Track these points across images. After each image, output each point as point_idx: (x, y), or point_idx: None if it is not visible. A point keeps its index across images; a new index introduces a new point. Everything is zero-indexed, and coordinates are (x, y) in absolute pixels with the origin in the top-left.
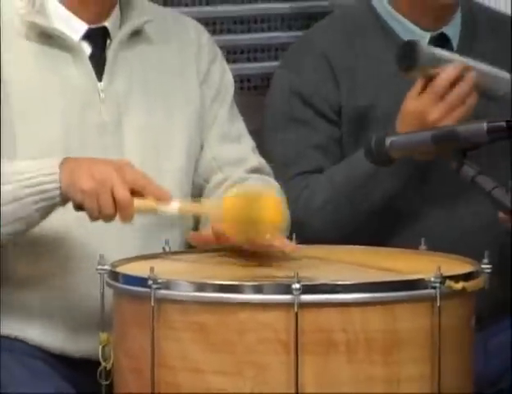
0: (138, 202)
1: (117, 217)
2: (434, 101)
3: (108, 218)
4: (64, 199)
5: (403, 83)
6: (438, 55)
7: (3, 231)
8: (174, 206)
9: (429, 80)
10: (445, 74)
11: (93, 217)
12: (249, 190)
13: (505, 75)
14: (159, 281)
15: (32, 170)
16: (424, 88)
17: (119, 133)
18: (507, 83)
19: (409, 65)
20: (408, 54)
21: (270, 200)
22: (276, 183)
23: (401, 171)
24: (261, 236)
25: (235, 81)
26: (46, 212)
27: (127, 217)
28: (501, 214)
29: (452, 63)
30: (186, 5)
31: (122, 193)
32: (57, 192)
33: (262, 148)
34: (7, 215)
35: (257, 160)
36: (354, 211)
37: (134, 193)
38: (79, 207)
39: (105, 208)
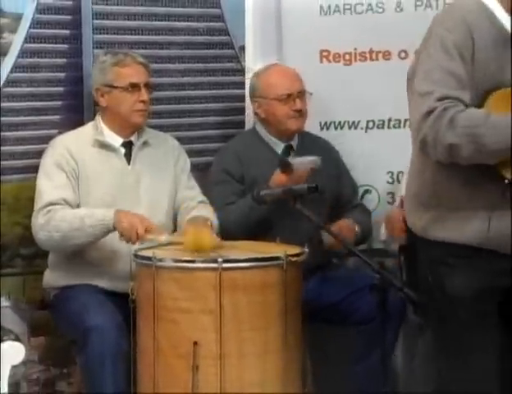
0: (148, 235)
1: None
2: (297, 179)
3: (132, 243)
4: (114, 228)
5: (272, 167)
6: (297, 161)
7: (88, 240)
8: (164, 238)
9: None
10: (301, 169)
11: (125, 241)
12: (196, 229)
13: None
14: (157, 257)
15: (100, 213)
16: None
17: (138, 189)
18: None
19: (286, 170)
20: (284, 164)
21: (205, 234)
22: (212, 208)
23: (269, 207)
24: (200, 251)
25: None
26: (105, 233)
27: (141, 242)
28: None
29: (304, 163)
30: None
31: (140, 232)
32: (111, 225)
33: (208, 195)
34: (89, 234)
35: (202, 197)
36: (248, 225)
37: (146, 231)
38: (120, 233)
39: (131, 238)
